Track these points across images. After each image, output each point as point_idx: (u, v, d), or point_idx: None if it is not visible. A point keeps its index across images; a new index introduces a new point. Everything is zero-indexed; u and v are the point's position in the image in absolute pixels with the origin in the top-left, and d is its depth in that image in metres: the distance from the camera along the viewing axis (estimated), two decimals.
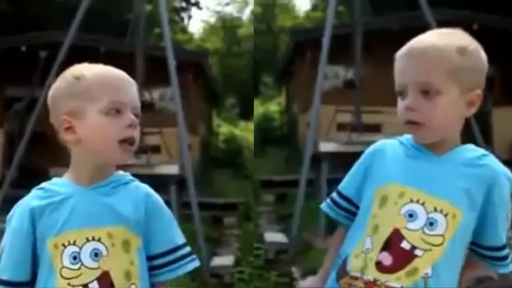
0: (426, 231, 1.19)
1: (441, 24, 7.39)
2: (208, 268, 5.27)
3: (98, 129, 1.24)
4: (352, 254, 1.26)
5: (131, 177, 1.33)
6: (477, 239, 1.25)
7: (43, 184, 1.30)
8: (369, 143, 1.36)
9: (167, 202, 1.37)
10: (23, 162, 6.37)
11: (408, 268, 1.18)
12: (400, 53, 1.27)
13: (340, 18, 13.41)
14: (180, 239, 1.32)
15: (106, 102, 1.24)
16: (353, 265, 1.24)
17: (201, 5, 28.48)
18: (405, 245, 1.19)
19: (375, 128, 8.12)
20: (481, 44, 1.29)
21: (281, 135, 16.69)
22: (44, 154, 9.46)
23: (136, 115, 1.27)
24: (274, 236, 5.82)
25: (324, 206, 1.40)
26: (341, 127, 9.13)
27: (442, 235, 1.19)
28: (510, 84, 11.52)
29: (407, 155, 1.27)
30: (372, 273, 1.20)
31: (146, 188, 1.32)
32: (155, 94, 10.35)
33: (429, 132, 1.23)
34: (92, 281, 1.20)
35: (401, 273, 1.18)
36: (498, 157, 1.30)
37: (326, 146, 7.60)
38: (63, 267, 1.20)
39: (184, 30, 27.57)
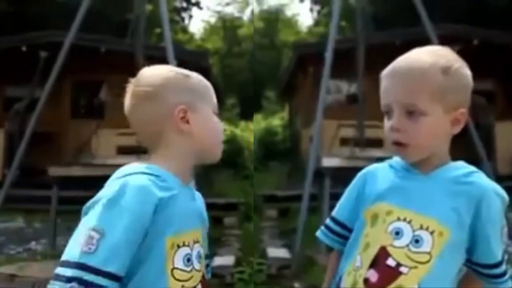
0: (412, 248, 1.19)
1: (442, 38, 7.40)
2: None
3: (212, 126, 1.29)
4: (346, 272, 1.28)
5: None
6: (472, 257, 1.24)
7: (150, 170, 1.16)
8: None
9: None
10: (23, 162, 6.37)
11: (393, 285, 1.17)
12: (385, 72, 1.27)
13: (342, 33, 13.47)
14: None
15: (214, 102, 1.31)
16: (346, 282, 1.26)
17: (201, 5, 28.44)
18: (390, 262, 1.20)
19: (378, 143, 8.14)
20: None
21: (284, 149, 16.72)
22: (43, 154, 9.48)
23: None
24: (277, 252, 5.82)
25: (319, 233, 1.41)
26: (344, 141, 9.15)
27: (428, 253, 1.18)
28: None
29: (396, 176, 1.28)
30: None
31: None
32: None
33: (414, 152, 1.23)
34: (198, 284, 1.19)
35: None
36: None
37: (329, 161, 7.61)
38: (174, 268, 1.14)
39: (184, 30, 27.59)
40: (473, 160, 6.46)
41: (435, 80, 1.20)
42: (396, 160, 1.32)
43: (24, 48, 10.61)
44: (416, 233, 1.20)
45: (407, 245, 1.20)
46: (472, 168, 1.26)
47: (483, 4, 14.95)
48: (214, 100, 1.32)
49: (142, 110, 1.24)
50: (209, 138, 1.28)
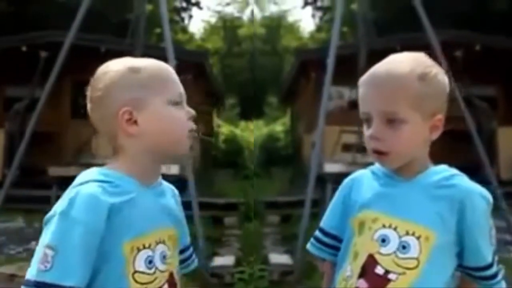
0: (399, 254, 1.19)
1: (444, 44, 7.32)
2: (208, 268, 5.26)
3: (167, 120, 1.20)
4: (338, 282, 1.28)
5: None
6: (462, 261, 1.24)
7: (101, 176, 1.16)
8: (373, 164, 1.36)
9: None
10: (23, 162, 6.37)
11: None
12: (362, 80, 1.27)
13: (344, 38, 13.50)
14: (189, 239, 1.37)
15: (171, 92, 1.22)
16: None
17: (201, 5, 28.44)
18: (379, 270, 1.20)
19: None
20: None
21: (286, 155, 16.74)
22: (43, 154, 9.48)
23: None
24: (279, 258, 5.81)
25: (309, 246, 1.40)
26: (346, 147, 9.14)
27: (416, 258, 1.18)
28: None
29: (379, 183, 1.29)
30: None
31: (171, 186, 1.34)
32: None
33: (394, 160, 1.24)
34: (164, 284, 1.18)
35: None
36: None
37: (331, 167, 7.63)
38: (135, 271, 1.13)
39: (184, 30, 27.59)
40: (475, 165, 6.42)
41: (413, 87, 1.20)
42: (378, 166, 1.32)
43: (24, 48, 10.61)
44: (403, 239, 1.20)
45: (394, 252, 1.20)
46: (454, 171, 1.27)
47: (485, 9, 14.97)
48: (173, 89, 1.23)
49: (95, 113, 1.24)
50: (165, 134, 1.20)
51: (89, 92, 1.26)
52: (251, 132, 18.94)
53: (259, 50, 24.52)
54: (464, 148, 6.90)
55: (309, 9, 30.17)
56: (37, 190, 8.24)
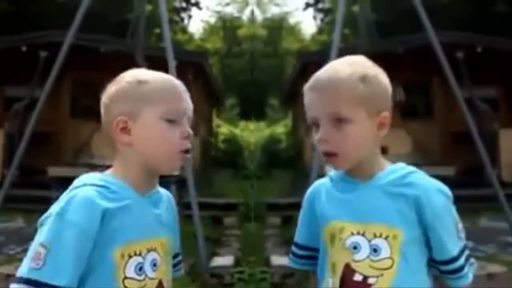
0: (373, 258, 1.22)
1: (446, 46, 7.29)
2: (208, 268, 5.26)
3: (156, 136, 1.21)
4: None
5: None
6: (430, 255, 1.27)
7: (99, 181, 1.19)
8: None
9: None
10: (22, 162, 6.36)
11: None
12: (307, 86, 1.32)
13: (345, 40, 13.49)
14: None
15: (166, 108, 1.22)
16: None
17: (201, 5, 28.48)
18: (357, 277, 1.23)
19: (382, 150, 8.15)
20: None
21: (288, 157, 16.74)
22: (42, 154, 9.47)
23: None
24: (280, 260, 5.80)
25: (290, 262, 1.44)
26: None
27: (390, 258, 1.22)
28: None
29: (338, 190, 1.31)
30: None
31: (169, 194, 1.35)
32: None
33: (345, 160, 1.26)
34: None
35: None
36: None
37: (331, 169, 7.63)
38: (126, 277, 1.15)
39: (184, 30, 27.60)
40: (477, 167, 6.39)
41: (355, 88, 1.24)
42: (335, 172, 1.35)
43: (24, 48, 10.61)
44: (372, 242, 1.23)
45: (368, 256, 1.23)
46: (410, 168, 1.29)
47: (487, 11, 14.99)
48: (170, 105, 1.23)
49: (102, 119, 1.28)
50: (153, 148, 1.22)
51: (102, 98, 1.30)
52: (251, 132, 18.93)
53: (260, 52, 24.51)
54: (466, 149, 6.89)
55: (310, 11, 30.27)
56: (36, 190, 8.23)
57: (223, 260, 5.78)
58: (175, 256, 1.37)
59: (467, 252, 1.28)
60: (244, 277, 4.98)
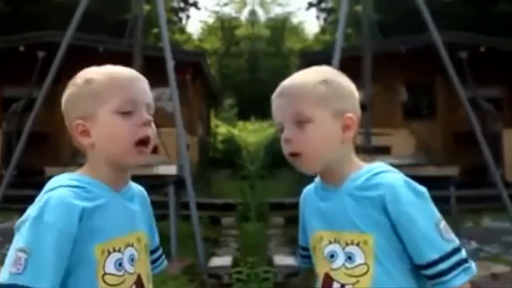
0: (348, 265, 1.22)
1: (449, 46, 7.26)
2: (206, 268, 5.26)
3: (111, 130, 1.20)
4: None
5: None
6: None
7: (73, 182, 1.19)
8: (379, 163, 1.36)
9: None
10: (20, 162, 6.36)
11: None
12: (274, 95, 1.32)
13: (348, 40, 13.51)
14: (158, 240, 1.42)
15: (118, 101, 1.20)
16: None
17: (199, 5, 28.45)
18: (335, 285, 1.23)
19: (385, 150, 8.14)
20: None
21: None
22: (40, 154, 9.45)
23: (151, 117, 1.25)
24: (284, 259, 5.80)
25: (298, 262, 1.48)
26: None
27: (365, 263, 1.20)
28: None
29: (319, 198, 1.32)
30: None
31: (142, 189, 1.37)
32: (153, 94, 10.37)
33: (309, 160, 1.26)
34: (131, 286, 1.22)
35: None
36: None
37: None
38: (105, 273, 1.17)
39: (182, 30, 27.57)
40: (481, 167, 6.38)
41: (316, 90, 1.25)
42: (318, 180, 1.36)
43: (22, 48, 10.60)
44: (346, 250, 1.23)
45: (343, 264, 1.23)
46: (380, 168, 1.26)
47: (490, 11, 15.01)
48: (121, 97, 1.20)
49: (66, 126, 1.29)
50: (111, 144, 1.21)
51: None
52: (249, 133, 18.93)
53: (263, 52, 24.52)
54: (469, 149, 6.89)
55: (313, 10, 30.20)
56: (34, 190, 8.19)
57: (221, 260, 5.78)
58: (155, 251, 1.39)
59: (460, 255, 1.18)
60: (243, 277, 4.97)
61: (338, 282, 1.23)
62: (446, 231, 1.19)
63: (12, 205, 7.40)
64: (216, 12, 30.08)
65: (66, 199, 1.13)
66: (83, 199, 1.16)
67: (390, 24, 12.26)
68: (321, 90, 1.26)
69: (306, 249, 1.41)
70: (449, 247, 1.17)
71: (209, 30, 30.69)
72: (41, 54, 9.78)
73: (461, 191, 6.46)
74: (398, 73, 11.35)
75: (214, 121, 20.22)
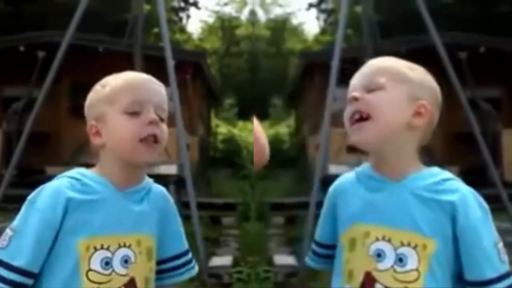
0: (397, 268, 1.13)
1: (449, 46, 7.26)
2: (206, 268, 5.26)
3: (118, 129, 1.23)
4: None
5: (150, 180, 1.33)
6: (462, 275, 1.15)
7: (76, 175, 1.24)
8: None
9: None
10: (20, 161, 6.36)
11: None
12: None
13: (348, 41, 13.49)
14: (187, 244, 1.37)
15: (126, 102, 1.23)
16: None
17: (199, 5, 28.45)
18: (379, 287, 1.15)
19: None
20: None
21: (291, 157, 16.72)
22: (40, 154, 9.46)
23: (161, 118, 1.26)
24: (284, 259, 5.80)
25: (308, 260, 1.38)
26: (351, 149, 9.09)
27: (416, 270, 1.12)
28: None
29: (366, 188, 1.22)
30: None
31: (164, 192, 1.35)
32: None
33: (373, 127, 1.17)
34: (120, 287, 1.20)
35: None
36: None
37: (335, 169, 7.60)
38: (90, 269, 1.17)
39: (182, 30, 27.56)
40: (480, 167, 6.39)
41: (398, 68, 1.23)
42: (363, 170, 1.26)
43: (22, 48, 10.59)
44: (399, 251, 1.14)
45: (392, 266, 1.14)
46: (448, 174, 1.20)
47: (490, 11, 15.00)
48: (127, 97, 1.24)
49: None
50: (118, 142, 1.24)
51: None
52: (250, 132, 18.91)
53: (263, 52, 24.52)
54: (469, 150, 6.88)
55: (313, 11, 30.17)
56: (34, 190, 8.22)
57: (222, 260, 5.78)
58: (175, 258, 1.34)
59: (510, 279, 1.13)
60: (243, 277, 4.98)
61: (382, 284, 1.14)
62: (502, 252, 1.16)
63: (12, 205, 7.41)
64: (216, 12, 30.09)
65: (58, 187, 1.19)
66: (75, 191, 1.19)
67: (390, 25, 12.25)
68: (405, 71, 1.22)
69: (325, 246, 1.32)
70: (504, 269, 1.14)
71: (209, 30, 30.68)
72: (41, 54, 9.77)
73: None
74: None
75: (214, 121, 20.22)
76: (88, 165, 1.31)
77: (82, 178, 1.22)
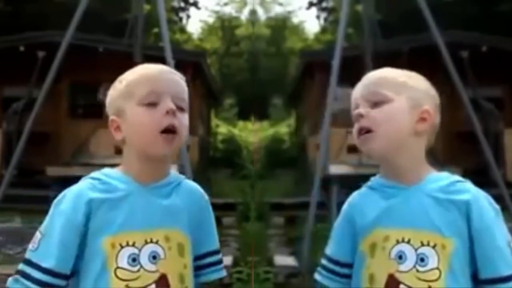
0: (419, 268, 1.17)
1: (450, 45, 7.24)
2: None
3: (136, 122, 1.22)
4: None
5: (182, 176, 1.32)
6: (476, 274, 1.19)
7: (98, 175, 1.24)
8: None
9: None
10: (20, 161, 6.36)
11: None
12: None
13: (349, 40, 13.48)
14: (217, 244, 1.36)
15: (142, 93, 1.22)
16: None
17: (199, 5, 28.44)
18: None
19: None
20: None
21: (291, 157, 16.71)
22: (41, 154, 9.45)
23: (180, 107, 1.24)
24: (284, 260, 5.80)
25: (322, 279, 1.34)
26: (351, 149, 9.09)
27: (437, 268, 1.16)
28: None
29: (381, 196, 1.25)
30: None
31: (198, 188, 1.34)
32: None
33: (380, 140, 1.22)
34: (150, 284, 1.18)
35: None
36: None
37: (336, 169, 7.60)
38: (118, 267, 1.17)
39: (182, 30, 27.56)
40: (482, 167, 6.40)
41: (397, 78, 1.26)
42: (376, 181, 1.30)
43: (22, 48, 10.59)
44: (419, 251, 1.17)
45: (414, 266, 1.17)
46: (458, 177, 1.25)
47: (491, 10, 14.99)
48: (143, 89, 1.23)
49: None
50: (137, 135, 1.23)
51: None
52: (250, 132, 18.94)
53: (263, 51, 24.50)
54: (471, 149, 6.87)
55: (314, 10, 30.13)
56: (35, 190, 8.22)
57: None
58: (205, 256, 1.31)
59: None
60: (243, 277, 4.98)
61: (406, 285, 1.16)
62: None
63: (12, 205, 7.42)
64: (216, 12, 30.07)
65: (81, 189, 1.21)
66: (96, 191, 1.20)
67: (391, 24, 12.25)
68: (404, 79, 1.26)
69: (346, 265, 1.30)
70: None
71: (209, 29, 30.67)
72: (41, 54, 9.77)
73: None
74: None
75: (214, 121, 20.21)
76: (88, 165, 1.32)
77: (103, 177, 1.23)
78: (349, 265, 1.30)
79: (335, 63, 6.17)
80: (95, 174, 1.25)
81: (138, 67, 1.31)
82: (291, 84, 16.71)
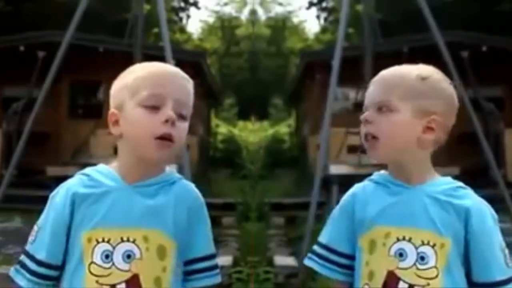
0: (419, 266, 1.19)
1: (451, 45, 7.21)
2: None
3: (134, 123, 1.20)
4: None
5: (178, 176, 1.28)
6: (470, 277, 1.21)
7: (89, 170, 1.26)
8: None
9: None
10: (20, 161, 6.36)
11: None
12: (372, 80, 1.33)
13: (349, 40, 13.47)
14: (213, 248, 1.31)
15: (144, 94, 1.19)
16: None
17: (199, 5, 28.43)
18: (402, 285, 1.19)
19: None
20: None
21: (291, 157, 16.71)
22: (40, 154, 9.46)
23: (181, 115, 1.21)
24: (284, 260, 5.79)
25: (331, 273, 1.32)
26: (351, 149, 9.09)
27: (435, 267, 1.19)
28: None
29: (385, 192, 1.27)
30: None
31: (192, 189, 1.29)
32: None
33: (384, 148, 1.24)
34: (120, 283, 1.16)
35: None
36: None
37: (336, 169, 7.60)
38: (92, 262, 1.17)
39: (182, 30, 27.57)
40: (482, 167, 6.39)
41: (407, 82, 1.25)
42: (381, 176, 1.31)
43: (22, 48, 10.59)
44: (420, 250, 1.20)
45: (414, 264, 1.19)
46: (461, 184, 1.27)
47: (492, 10, 14.98)
48: (147, 90, 1.20)
49: None
50: (133, 135, 1.21)
51: None
52: (250, 132, 18.92)
53: (263, 52, 24.50)
54: (471, 149, 6.85)
55: (314, 10, 30.10)
56: (34, 190, 8.22)
57: (221, 260, 5.78)
58: (197, 261, 1.26)
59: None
60: (243, 277, 4.97)
61: (406, 282, 1.19)
62: (509, 257, 1.23)
63: (12, 205, 7.41)
64: (217, 12, 30.07)
65: (69, 185, 1.25)
66: (82, 186, 1.23)
67: (391, 24, 12.25)
68: (415, 84, 1.25)
69: (347, 256, 1.30)
70: (510, 273, 1.22)
71: (209, 29, 30.67)
72: (41, 54, 9.77)
73: None
74: None
75: (214, 121, 20.23)
76: (88, 165, 1.31)
77: (93, 173, 1.25)
78: (347, 256, 1.29)
79: (335, 63, 6.16)
80: (87, 170, 1.27)
81: (150, 64, 1.28)
82: (291, 84, 16.73)
